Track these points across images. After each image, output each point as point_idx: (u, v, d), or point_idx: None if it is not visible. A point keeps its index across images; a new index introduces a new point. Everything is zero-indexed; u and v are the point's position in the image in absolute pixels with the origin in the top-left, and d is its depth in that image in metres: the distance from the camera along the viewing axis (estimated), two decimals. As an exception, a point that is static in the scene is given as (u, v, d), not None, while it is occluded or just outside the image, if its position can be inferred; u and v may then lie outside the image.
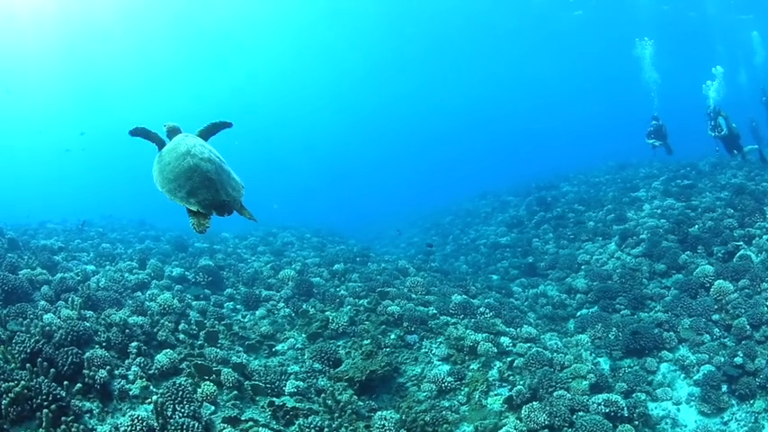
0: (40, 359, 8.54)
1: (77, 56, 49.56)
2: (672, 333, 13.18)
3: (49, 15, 41.34)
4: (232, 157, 6.11)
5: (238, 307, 14.47)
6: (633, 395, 11.63)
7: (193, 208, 5.49)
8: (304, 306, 14.39)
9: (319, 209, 52.16)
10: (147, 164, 6.19)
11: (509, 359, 12.27)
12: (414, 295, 15.33)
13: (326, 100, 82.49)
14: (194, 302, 13.74)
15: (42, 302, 11.33)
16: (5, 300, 11.03)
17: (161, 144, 6.10)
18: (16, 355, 8.72)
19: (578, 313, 15.55)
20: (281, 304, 14.68)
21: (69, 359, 8.89)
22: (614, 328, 13.81)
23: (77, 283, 12.86)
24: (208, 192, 5.48)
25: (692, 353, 12.63)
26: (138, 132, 6.08)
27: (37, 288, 12.13)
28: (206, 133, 6.31)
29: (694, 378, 11.96)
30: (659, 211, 19.45)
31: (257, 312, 14.14)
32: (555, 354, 12.47)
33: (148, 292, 13.80)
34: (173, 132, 6.10)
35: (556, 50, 57.15)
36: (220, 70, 67.12)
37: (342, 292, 15.52)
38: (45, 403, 7.71)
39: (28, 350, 8.83)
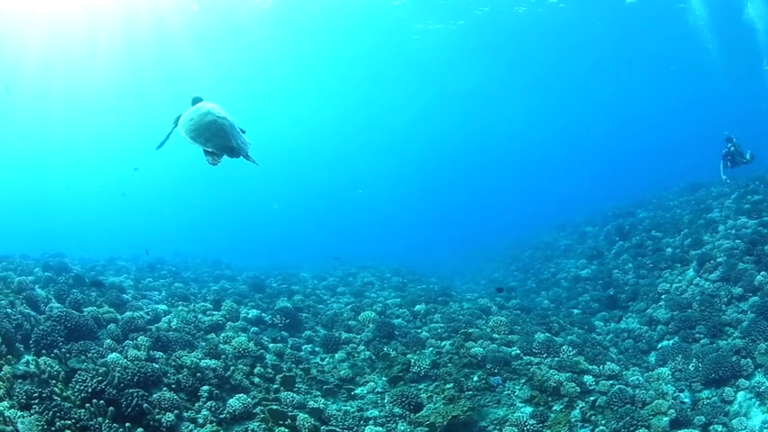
0: (97, 399, 8.48)
1: (143, 91, 50.89)
2: (749, 359, 13.24)
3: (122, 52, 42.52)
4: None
5: (317, 350, 14.87)
6: (710, 428, 11.74)
7: (209, 149, 7.28)
8: (385, 349, 14.74)
9: (398, 245, 52.92)
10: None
11: (591, 398, 12.46)
12: (496, 335, 15.57)
13: (400, 136, 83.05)
14: (271, 345, 14.03)
15: (108, 341, 11.42)
16: (67, 337, 11.00)
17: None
18: (76, 393, 8.68)
19: (659, 345, 15.77)
20: (362, 347, 15.09)
21: (134, 401, 8.86)
22: (694, 359, 13.98)
23: (147, 323, 13.22)
24: (221, 139, 7.27)
25: (766, 378, 12.64)
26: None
27: (103, 326, 12.25)
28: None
29: (768, 404, 12.02)
30: (733, 231, 19.25)
31: (336, 355, 14.54)
32: (636, 390, 12.62)
33: (223, 334, 14.00)
34: (196, 101, 7.81)
35: (628, 71, 56.17)
36: (288, 106, 67.46)
37: (424, 333, 15.90)
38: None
39: (89, 389, 8.73)
